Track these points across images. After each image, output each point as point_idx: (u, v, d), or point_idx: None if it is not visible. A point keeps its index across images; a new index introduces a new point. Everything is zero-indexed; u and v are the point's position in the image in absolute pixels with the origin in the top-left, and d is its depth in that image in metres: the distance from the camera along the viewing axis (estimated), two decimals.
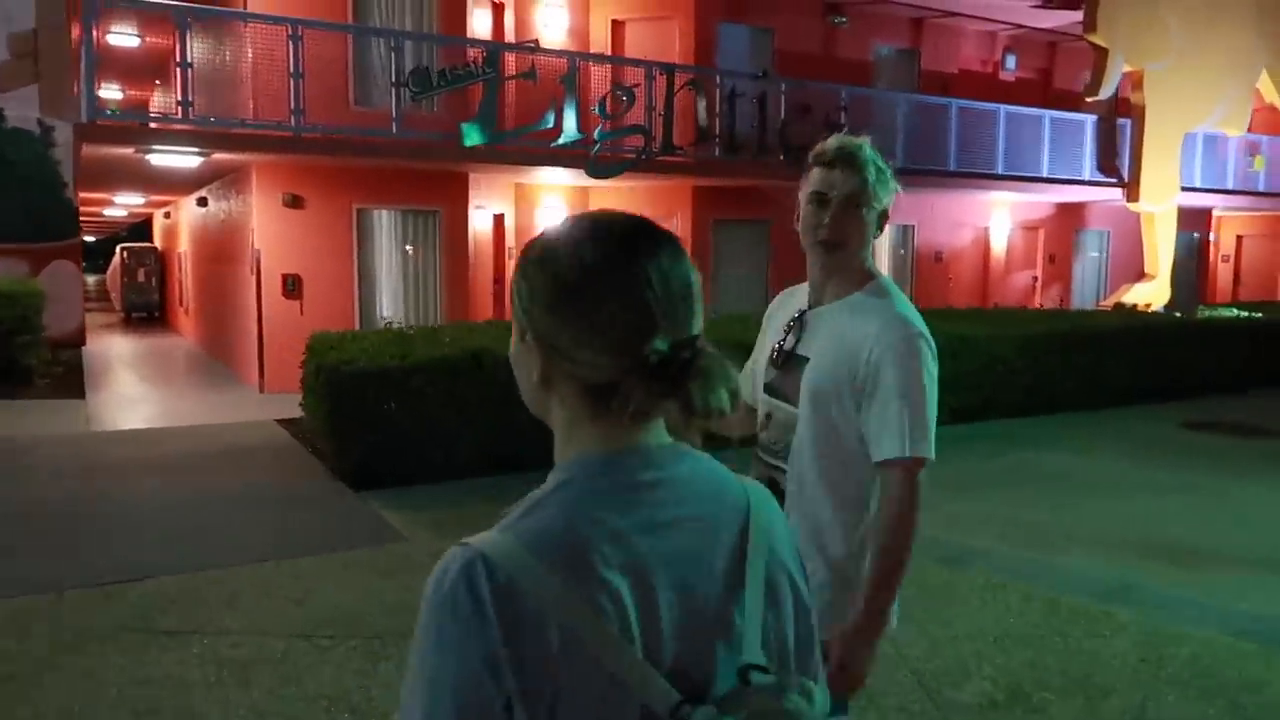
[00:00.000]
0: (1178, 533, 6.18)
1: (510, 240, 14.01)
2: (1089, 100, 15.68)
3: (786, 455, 2.01)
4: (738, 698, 0.89)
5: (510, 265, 13.53)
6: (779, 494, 1.98)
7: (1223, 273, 22.90)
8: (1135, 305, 15.72)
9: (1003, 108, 15.31)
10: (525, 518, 0.92)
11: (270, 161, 11.31)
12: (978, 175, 14.94)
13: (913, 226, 16.52)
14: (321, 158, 11.05)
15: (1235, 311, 14.85)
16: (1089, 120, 16.32)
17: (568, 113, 11.27)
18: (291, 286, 11.64)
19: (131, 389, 12.84)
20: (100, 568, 5.38)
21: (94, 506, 6.67)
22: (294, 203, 11.58)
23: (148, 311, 24.40)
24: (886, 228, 2.04)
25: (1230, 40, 16.35)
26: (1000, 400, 10.05)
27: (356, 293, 12.04)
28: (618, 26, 14.44)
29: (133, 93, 20.32)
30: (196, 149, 10.06)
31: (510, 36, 13.46)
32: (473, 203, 12.65)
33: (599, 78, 12.36)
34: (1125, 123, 16.35)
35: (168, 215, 22.66)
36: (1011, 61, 17.44)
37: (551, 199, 14.14)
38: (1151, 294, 16.20)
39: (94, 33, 9.45)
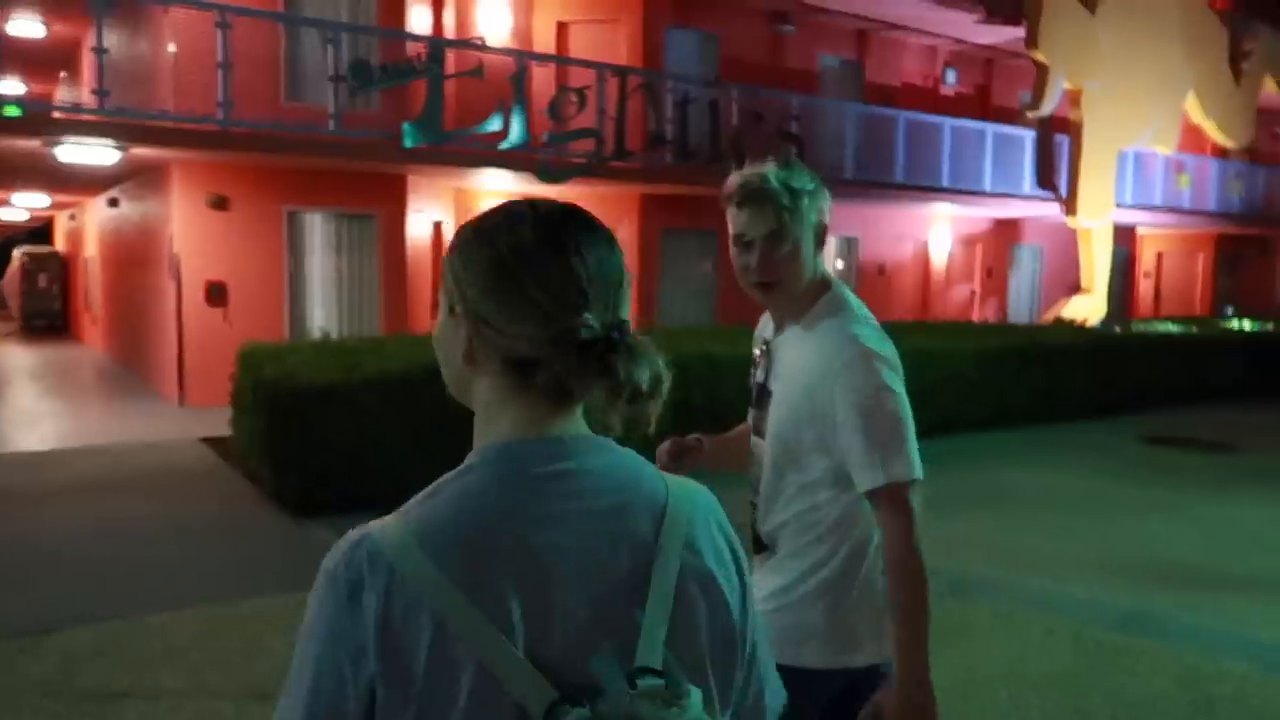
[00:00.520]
0: (1176, 555, 5.97)
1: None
2: (1030, 116, 15.80)
3: None
4: (616, 701, 0.85)
5: None
6: (757, 534, 1.91)
7: (1144, 289, 23.48)
8: (1074, 319, 15.89)
9: (948, 121, 15.31)
10: (422, 504, 0.91)
11: (193, 159, 10.49)
12: (924, 188, 14.88)
13: (856, 239, 16.41)
14: (250, 155, 10.28)
15: (1170, 327, 15.10)
16: (1029, 136, 16.46)
17: (515, 114, 10.74)
18: (215, 294, 10.82)
19: (34, 404, 11.78)
20: (5, 616, 4.66)
21: None
22: (219, 204, 10.78)
23: (49, 320, 22.92)
24: (831, 239, 1.87)
25: (1159, 61, 16.70)
26: (961, 415, 9.86)
27: (286, 301, 11.27)
28: (562, 29, 13.96)
29: (36, 88, 19.04)
30: (113, 142, 9.22)
31: (450, 35, 12.86)
32: (411, 207, 12.01)
33: (543, 80, 11.85)
34: (1063, 139, 16.54)
35: (73, 218, 21.30)
36: (952, 76, 17.52)
37: (493, 205, 13.51)
38: (1089, 308, 16.39)
39: None
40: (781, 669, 1.10)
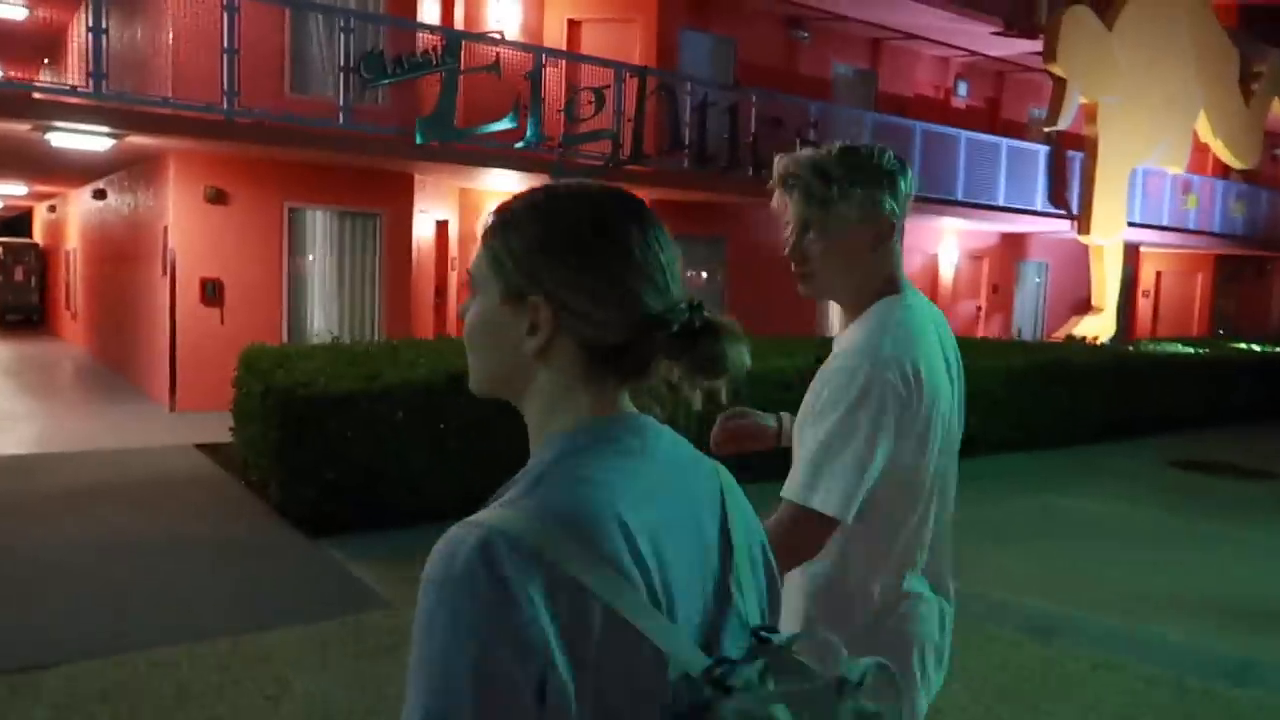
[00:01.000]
0: (1259, 593, 5.61)
1: (454, 250, 12.89)
2: (1046, 130, 15.58)
3: None
4: (772, 653, 0.88)
5: (455, 276, 12.37)
6: None
7: (1143, 308, 23.34)
8: (1085, 337, 15.63)
9: (964, 133, 15.03)
10: (532, 492, 0.88)
11: (191, 149, 9.96)
12: (939, 201, 14.56)
13: None
14: (253, 148, 9.77)
15: (1179, 348, 14.87)
16: (1042, 151, 16.23)
17: (531, 113, 10.30)
18: (211, 292, 10.28)
19: (10, 403, 11.15)
20: None
21: None
22: (217, 198, 10.25)
23: (26, 314, 22.15)
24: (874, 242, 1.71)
25: (1173, 79, 16.56)
26: (986, 435, 9.51)
27: (285, 301, 10.74)
28: (574, 26, 13.54)
29: (15, 74, 18.38)
30: (109, 129, 8.69)
31: (461, 29, 12.40)
32: (416, 206, 11.53)
33: (553, 79, 11.41)
34: (1075, 156, 16.32)
35: (53, 209, 20.58)
36: (963, 89, 17.27)
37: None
38: (1099, 326, 16.16)
39: None
40: None
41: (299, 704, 3.73)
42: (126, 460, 7.94)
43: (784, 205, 1.72)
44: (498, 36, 11.00)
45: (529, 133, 10.29)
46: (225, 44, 8.82)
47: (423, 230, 11.94)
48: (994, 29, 15.29)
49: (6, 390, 12.11)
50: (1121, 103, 15.75)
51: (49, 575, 5.13)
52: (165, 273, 10.25)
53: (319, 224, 10.96)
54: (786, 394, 8.00)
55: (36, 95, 8.51)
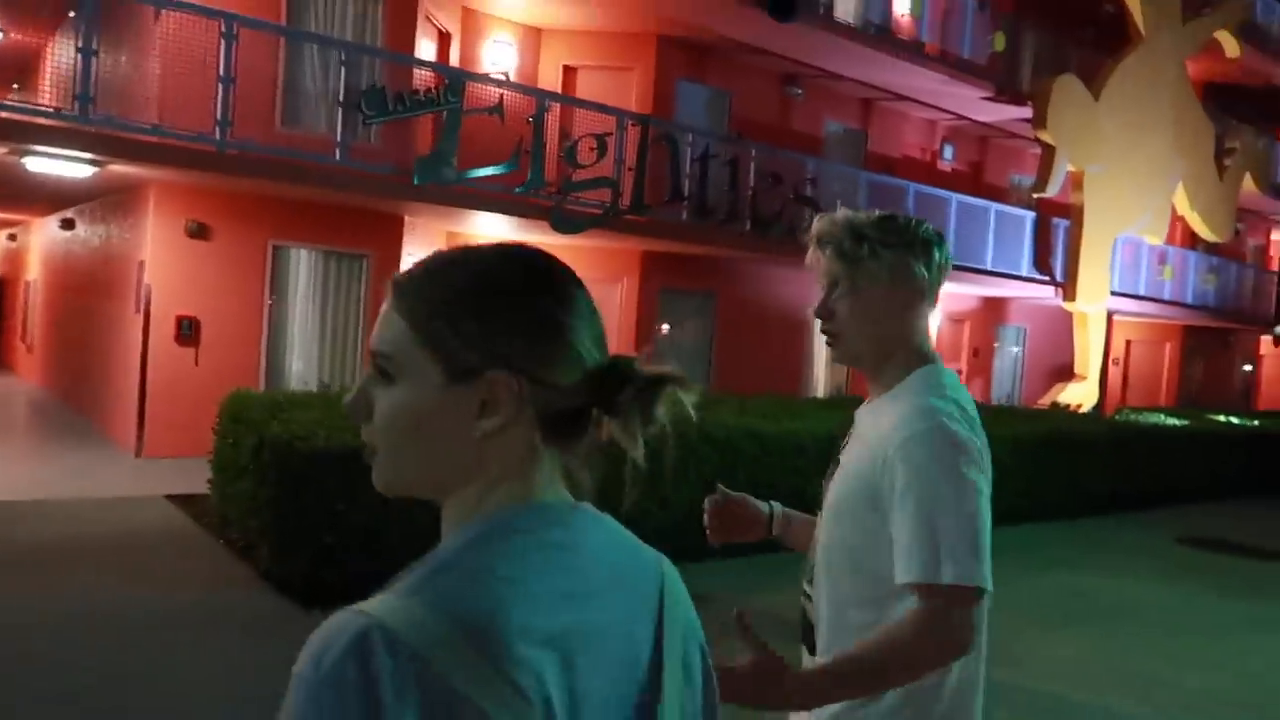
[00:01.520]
0: None
1: None
2: (1035, 195, 15.65)
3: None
4: None
5: None
6: (808, 626, 1.73)
7: (1113, 376, 23.49)
8: (1068, 405, 15.57)
9: (955, 196, 15.03)
10: (430, 582, 0.78)
11: (174, 181, 9.48)
12: None
13: None
14: (239, 181, 9.32)
15: (1162, 418, 14.84)
16: (1029, 217, 16.29)
17: (534, 158, 9.99)
18: (187, 331, 9.73)
19: None
20: None
21: None
22: (198, 232, 9.76)
23: None
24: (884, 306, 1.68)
25: (1155, 151, 16.81)
26: (997, 503, 9.22)
27: (264, 343, 10.22)
28: (569, 73, 13.33)
29: None
30: (91, 155, 8.19)
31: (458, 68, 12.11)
32: (404, 249, 11.12)
33: (549, 124, 11.13)
34: (1060, 223, 16.41)
35: (13, 238, 19.80)
36: (949, 152, 17.35)
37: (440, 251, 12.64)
38: (1083, 394, 16.13)
39: None
40: None
41: None
42: (89, 513, 7.32)
43: (817, 262, 1.72)
44: (502, 78, 10.71)
45: (530, 177, 9.97)
46: (221, 72, 8.42)
47: None
48: (984, 94, 15.39)
49: None
50: (1106, 171, 15.91)
51: (14, 655, 4.55)
52: (139, 309, 9.69)
53: (303, 264, 10.48)
54: (800, 460, 7.73)
55: (13, 116, 7.96)
